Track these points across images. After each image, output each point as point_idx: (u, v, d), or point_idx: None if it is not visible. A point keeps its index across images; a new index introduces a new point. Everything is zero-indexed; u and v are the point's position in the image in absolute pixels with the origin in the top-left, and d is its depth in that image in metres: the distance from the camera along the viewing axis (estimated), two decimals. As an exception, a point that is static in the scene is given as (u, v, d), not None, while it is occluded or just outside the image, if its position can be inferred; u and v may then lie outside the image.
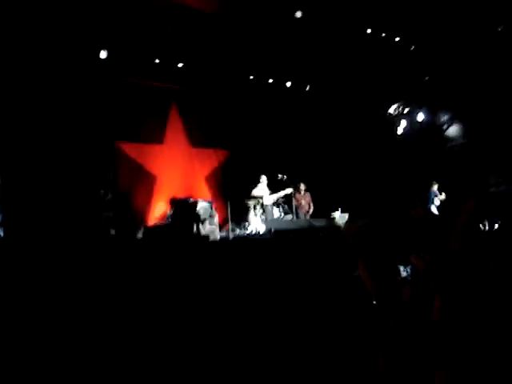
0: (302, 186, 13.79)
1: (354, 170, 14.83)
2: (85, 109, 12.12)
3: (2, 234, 9.57)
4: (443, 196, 14.06)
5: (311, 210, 13.71)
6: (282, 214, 13.01)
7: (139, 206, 13.36)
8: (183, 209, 10.01)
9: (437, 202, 14.03)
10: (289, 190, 12.76)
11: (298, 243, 10.70)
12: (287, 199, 13.09)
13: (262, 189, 12.77)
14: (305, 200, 13.77)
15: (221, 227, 12.85)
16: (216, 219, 12.73)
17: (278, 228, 11.35)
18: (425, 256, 1.91)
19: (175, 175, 14.31)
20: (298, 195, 13.63)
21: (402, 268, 2.06)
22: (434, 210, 13.77)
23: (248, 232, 12.48)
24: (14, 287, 6.88)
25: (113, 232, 10.42)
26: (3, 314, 6.27)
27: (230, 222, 12.88)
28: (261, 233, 11.79)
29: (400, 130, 15.73)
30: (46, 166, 10.99)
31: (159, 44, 12.52)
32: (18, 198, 10.32)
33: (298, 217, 13.28)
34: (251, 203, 12.85)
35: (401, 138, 15.67)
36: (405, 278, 2.04)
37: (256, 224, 12.56)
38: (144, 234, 10.34)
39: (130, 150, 13.73)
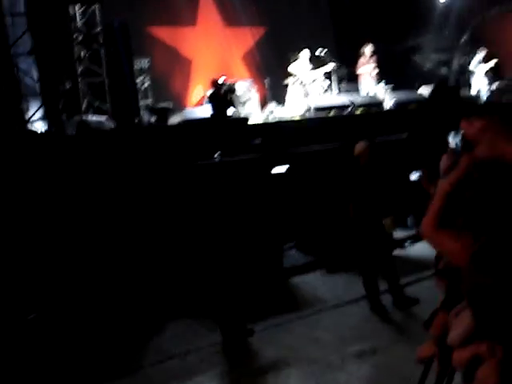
0: (368, 49, 12.62)
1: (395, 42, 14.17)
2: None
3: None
4: (491, 63, 13.15)
5: (375, 74, 12.62)
6: (323, 91, 12.64)
7: (177, 92, 13.25)
8: (222, 90, 9.81)
9: (481, 69, 13.17)
10: (329, 66, 12.24)
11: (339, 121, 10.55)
12: (327, 74, 12.62)
13: (301, 65, 12.28)
14: (369, 65, 12.60)
15: (262, 107, 12.64)
16: (256, 99, 12.53)
17: (318, 106, 11.08)
18: (476, 121, 1.81)
19: (211, 57, 13.95)
20: (362, 60, 12.60)
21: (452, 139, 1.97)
22: (477, 78, 13.09)
23: (287, 111, 12.20)
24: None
25: (153, 119, 10.36)
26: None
27: (269, 102, 12.62)
28: (301, 112, 11.51)
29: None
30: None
31: None
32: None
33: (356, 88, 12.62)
34: (290, 81, 12.50)
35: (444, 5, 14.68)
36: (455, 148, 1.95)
37: (296, 102, 12.27)
38: (182, 119, 10.25)
39: (163, 34, 13.43)
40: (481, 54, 12.99)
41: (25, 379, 5.33)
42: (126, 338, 6.21)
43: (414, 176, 6.52)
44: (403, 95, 11.81)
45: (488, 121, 1.81)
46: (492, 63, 12.93)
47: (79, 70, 9.91)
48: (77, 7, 10.04)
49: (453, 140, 1.98)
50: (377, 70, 12.54)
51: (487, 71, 12.98)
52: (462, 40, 13.93)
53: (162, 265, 7.29)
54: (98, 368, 5.58)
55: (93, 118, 9.38)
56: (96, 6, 10.06)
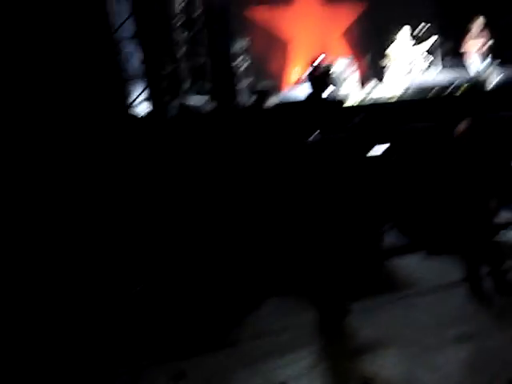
0: (478, 23, 11.69)
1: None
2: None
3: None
4: None
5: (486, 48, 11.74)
6: (427, 67, 12.22)
7: (276, 71, 13.30)
8: (319, 71, 9.75)
9: None
10: (432, 41, 11.81)
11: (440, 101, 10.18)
12: (432, 51, 12.17)
13: (402, 42, 11.93)
14: (477, 41, 11.75)
15: (362, 84, 12.43)
16: (356, 76, 12.35)
17: (419, 84, 10.76)
18: None
19: (309, 36, 13.86)
20: (473, 31, 11.75)
21: None
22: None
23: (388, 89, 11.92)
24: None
25: (252, 100, 10.47)
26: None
27: (371, 78, 12.38)
28: (400, 91, 11.19)
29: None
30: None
31: None
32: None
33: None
34: (390, 59, 12.20)
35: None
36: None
37: (396, 81, 11.97)
38: (279, 100, 10.31)
39: (261, 15, 13.50)
40: None
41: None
42: (223, 313, 6.41)
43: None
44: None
45: None
46: None
47: (180, 52, 10.15)
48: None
49: None
50: (486, 46, 11.88)
51: None
52: None
53: (261, 241, 7.42)
54: (194, 340, 5.83)
55: (193, 99, 9.64)
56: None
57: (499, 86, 10.78)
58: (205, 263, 7.04)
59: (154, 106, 8.77)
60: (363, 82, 12.59)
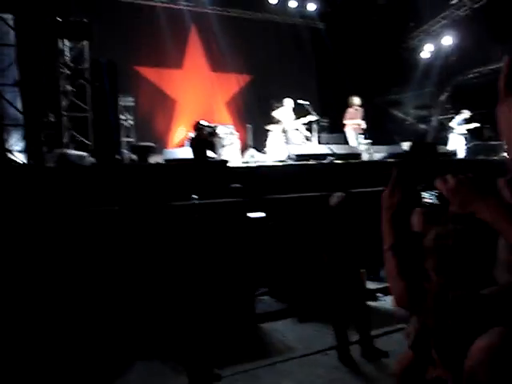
0: (356, 100, 12.77)
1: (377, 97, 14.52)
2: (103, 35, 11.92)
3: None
4: (473, 125, 13.53)
5: (362, 127, 12.76)
6: (304, 140, 12.82)
7: (160, 132, 13.37)
8: (205, 132, 9.90)
9: (462, 129, 13.59)
10: (311, 117, 12.43)
11: (318, 169, 10.64)
12: (309, 125, 12.82)
13: (284, 113, 12.48)
14: (357, 116, 12.78)
15: (242, 152, 12.77)
16: (237, 144, 12.67)
17: (299, 153, 11.20)
18: (449, 179, 1.88)
19: (195, 100, 14.21)
20: (350, 110, 12.78)
21: (426, 194, 2.04)
22: (455, 135, 13.48)
23: (268, 157, 12.33)
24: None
25: (134, 157, 10.40)
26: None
27: (250, 148, 12.78)
28: (281, 159, 11.63)
29: (425, 55, 15.23)
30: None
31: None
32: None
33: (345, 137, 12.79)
34: (272, 128, 12.69)
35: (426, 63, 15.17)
36: (430, 203, 2.03)
37: (276, 149, 12.42)
38: (164, 158, 10.32)
39: (150, 74, 13.67)
40: (464, 115, 13.36)
41: None
42: (92, 377, 6.11)
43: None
44: (386, 149, 12.00)
45: (461, 179, 1.88)
46: (473, 125, 13.31)
47: (64, 104, 9.96)
48: (66, 42, 10.16)
49: (428, 195, 2.07)
50: (363, 122, 12.73)
51: (467, 131, 13.36)
52: (442, 98, 14.30)
53: (132, 304, 7.21)
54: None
55: (74, 152, 9.40)
56: (85, 43, 10.20)
57: (370, 161, 11.48)
58: (71, 325, 6.72)
59: (32, 154, 8.45)
60: (244, 149, 12.93)
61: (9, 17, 8.43)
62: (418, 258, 2.27)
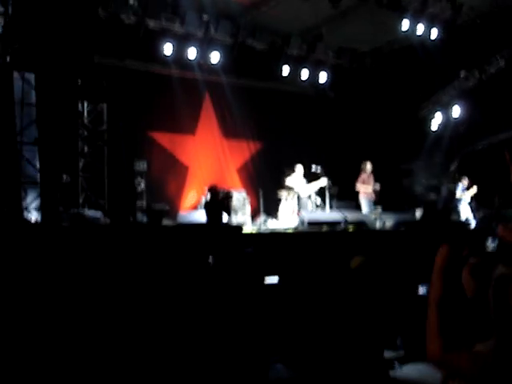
0: (368, 166, 13.02)
1: (388, 165, 14.64)
2: (120, 100, 12.16)
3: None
4: (474, 190, 13.65)
5: (374, 193, 12.98)
6: (315, 206, 12.84)
7: (171, 196, 13.40)
8: (220, 196, 9.93)
9: (466, 197, 13.67)
10: (324, 181, 12.48)
11: (331, 236, 10.62)
12: (320, 191, 12.87)
13: (296, 179, 12.54)
14: (370, 182, 13.02)
15: (252, 219, 12.77)
16: (248, 210, 12.68)
17: (311, 220, 11.18)
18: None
19: (207, 166, 14.34)
20: (363, 175, 13.00)
21: (490, 240, 2.02)
22: (463, 205, 13.53)
23: (279, 223, 12.31)
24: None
25: (146, 220, 10.40)
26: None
27: (261, 214, 12.78)
28: (293, 225, 11.62)
29: (435, 125, 15.48)
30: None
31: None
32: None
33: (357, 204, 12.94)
34: (284, 194, 12.73)
35: (435, 133, 15.40)
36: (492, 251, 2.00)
37: (288, 215, 12.42)
38: (178, 220, 10.32)
39: (163, 139, 13.82)
40: (464, 182, 13.55)
41: None
42: None
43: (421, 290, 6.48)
44: (397, 216, 11.99)
45: None
46: (474, 190, 13.42)
47: (81, 164, 10.05)
48: (86, 104, 10.34)
49: (490, 244, 2.05)
50: (373, 191, 12.80)
51: (472, 199, 13.46)
52: (452, 168, 14.41)
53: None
54: None
55: (89, 212, 9.40)
56: (104, 105, 10.38)
57: (383, 229, 11.45)
58: None
59: (47, 213, 8.44)
60: (255, 215, 12.94)
61: (31, 76, 8.61)
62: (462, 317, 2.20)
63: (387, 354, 8.82)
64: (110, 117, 10.64)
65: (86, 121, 10.30)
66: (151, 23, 11.98)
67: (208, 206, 9.63)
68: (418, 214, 12.08)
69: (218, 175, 14.22)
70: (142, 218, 10.86)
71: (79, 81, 9.87)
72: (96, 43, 10.99)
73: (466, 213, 13.54)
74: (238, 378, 7.27)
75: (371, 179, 12.91)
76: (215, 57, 13.24)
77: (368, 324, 6.69)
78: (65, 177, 9.23)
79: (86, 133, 10.22)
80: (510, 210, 12.18)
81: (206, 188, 10.44)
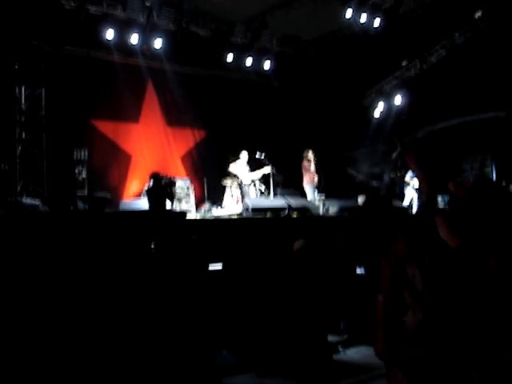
0: (310, 153, 13.02)
1: (331, 152, 14.79)
2: (60, 86, 11.86)
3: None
4: None
5: (317, 180, 12.99)
6: (259, 194, 12.85)
7: (114, 185, 13.19)
8: (162, 184, 9.81)
9: (416, 183, 13.97)
10: (267, 169, 12.50)
11: (275, 222, 10.66)
12: (265, 178, 12.88)
13: (240, 166, 12.52)
14: (311, 169, 13.01)
15: (197, 207, 12.70)
16: (192, 198, 12.61)
17: (255, 206, 11.18)
18: (464, 183, 1.98)
19: (151, 154, 14.19)
20: (305, 163, 13.02)
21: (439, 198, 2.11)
22: (410, 190, 13.86)
23: (224, 211, 12.28)
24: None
25: (88, 208, 10.18)
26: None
27: (206, 202, 12.73)
28: (237, 212, 11.60)
29: (377, 114, 15.73)
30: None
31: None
32: None
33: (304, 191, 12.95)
34: (228, 182, 12.71)
35: (378, 121, 15.66)
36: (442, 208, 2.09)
37: (233, 203, 12.41)
38: (120, 208, 10.16)
39: (105, 128, 13.58)
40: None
41: None
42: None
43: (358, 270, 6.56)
44: (340, 202, 12.12)
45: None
46: None
47: (18, 151, 9.76)
48: (23, 89, 10.02)
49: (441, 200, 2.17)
50: (317, 176, 12.90)
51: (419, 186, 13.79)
52: (394, 155, 14.66)
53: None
54: None
55: (27, 200, 9.14)
56: (42, 90, 10.09)
57: (327, 215, 11.58)
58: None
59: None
60: (199, 203, 12.88)
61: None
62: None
63: (331, 338, 8.96)
64: (48, 102, 10.36)
65: (23, 106, 10.00)
66: (92, 8, 11.71)
67: (150, 193, 9.51)
68: (360, 200, 12.25)
69: (162, 163, 14.07)
70: (83, 206, 10.63)
71: (16, 65, 9.56)
72: (35, 27, 10.69)
73: (410, 197, 13.82)
74: (184, 365, 7.24)
75: (312, 166, 12.99)
76: (158, 43, 13.07)
77: (311, 308, 6.75)
78: (1, 165, 8.93)
79: (23, 119, 9.92)
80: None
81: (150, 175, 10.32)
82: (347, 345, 9.02)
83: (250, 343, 8.69)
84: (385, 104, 15.62)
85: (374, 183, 14.87)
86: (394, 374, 2.50)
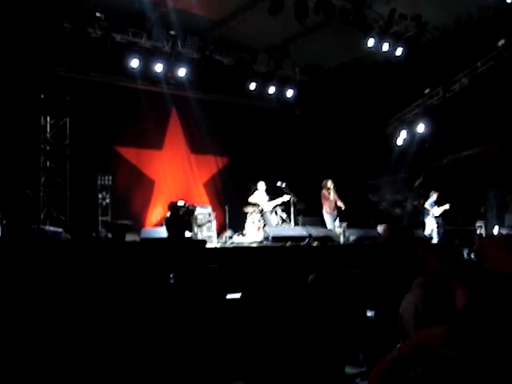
0: (330, 183, 13.11)
1: (353, 180, 14.77)
2: (85, 114, 12.07)
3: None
4: (446, 206, 13.87)
5: (339, 207, 12.99)
6: (280, 222, 12.88)
7: (137, 211, 13.31)
8: (181, 212, 9.89)
9: (436, 211, 13.89)
10: (287, 197, 12.55)
11: (295, 251, 10.64)
12: (286, 206, 12.92)
13: (259, 195, 12.60)
14: (330, 198, 13.05)
15: (218, 234, 12.76)
16: (214, 225, 12.66)
17: (276, 235, 11.19)
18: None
19: (174, 181, 14.31)
20: (325, 192, 13.07)
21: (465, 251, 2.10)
22: (430, 219, 13.76)
23: (245, 239, 12.32)
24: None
25: (110, 236, 10.29)
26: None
27: (227, 229, 12.79)
28: (258, 240, 11.64)
29: (400, 141, 15.70)
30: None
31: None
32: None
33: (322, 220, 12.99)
34: (249, 209, 12.76)
35: (400, 149, 15.62)
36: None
37: (254, 231, 12.44)
38: (141, 236, 10.24)
39: (129, 154, 13.74)
40: (433, 196, 13.77)
41: None
42: None
43: (369, 313, 6.52)
44: (361, 232, 12.08)
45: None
46: (446, 207, 13.64)
47: (43, 179, 9.94)
48: (48, 119, 10.24)
49: (466, 255, 2.15)
50: (340, 204, 12.89)
51: (440, 214, 13.67)
52: (416, 183, 14.60)
53: None
54: None
55: (50, 228, 9.29)
56: (67, 119, 10.29)
57: (347, 244, 11.53)
58: None
59: (7, 229, 8.32)
60: (221, 230, 12.94)
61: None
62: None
63: (349, 370, 8.87)
64: (72, 131, 10.56)
65: (48, 135, 10.21)
66: (118, 37, 11.95)
67: (168, 222, 9.58)
68: (380, 229, 12.17)
69: (185, 190, 14.21)
70: (105, 233, 10.76)
71: (42, 95, 9.78)
72: (60, 56, 10.93)
73: (430, 227, 13.73)
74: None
75: (332, 195, 12.99)
76: (182, 71, 13.27)
77: (329, 339, 6.70)
78: (27, 192, 9.10)
79: (48, 147, 10.12)
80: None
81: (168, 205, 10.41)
82: (366, 377, 8.90)
83: (266, 374, 8.64)
84: (407, 132, 15.58)
85: (397, 211, 14.80)
86: None
